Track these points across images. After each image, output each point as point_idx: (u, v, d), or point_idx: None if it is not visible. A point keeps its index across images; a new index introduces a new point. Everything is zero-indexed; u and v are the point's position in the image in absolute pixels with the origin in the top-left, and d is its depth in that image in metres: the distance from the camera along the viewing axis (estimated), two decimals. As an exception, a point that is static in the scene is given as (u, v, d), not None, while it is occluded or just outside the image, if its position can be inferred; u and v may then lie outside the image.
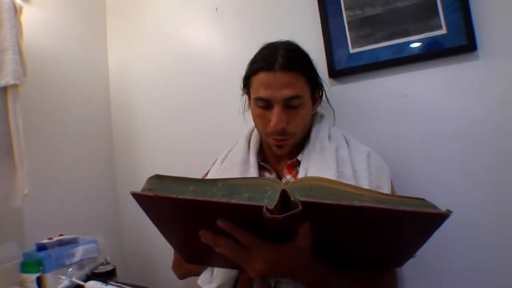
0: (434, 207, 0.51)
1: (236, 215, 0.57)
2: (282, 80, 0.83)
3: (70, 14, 1.48)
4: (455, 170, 1.00)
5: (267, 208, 0.51)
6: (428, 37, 0.99)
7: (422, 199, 0.52)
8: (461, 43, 0.97)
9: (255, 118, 0.92)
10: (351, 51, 1.10)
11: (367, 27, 1.07)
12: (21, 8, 1.18)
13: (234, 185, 0.57)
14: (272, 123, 0.85)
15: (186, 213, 0.61)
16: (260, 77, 0.86)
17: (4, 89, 1.08)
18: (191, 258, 0.78)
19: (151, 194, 0.57)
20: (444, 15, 0.97)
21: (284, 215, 0.51)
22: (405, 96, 1.05)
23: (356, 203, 0.51)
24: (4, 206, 1.06)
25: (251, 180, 0.58)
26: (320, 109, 1.03)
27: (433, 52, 0.99)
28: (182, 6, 1.47)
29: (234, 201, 0.54)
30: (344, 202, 0.51)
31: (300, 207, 0.52)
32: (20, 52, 1.12)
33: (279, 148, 0.90)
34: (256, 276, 0.63)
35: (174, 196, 0.55)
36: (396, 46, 1.03)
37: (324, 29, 1.13)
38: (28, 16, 1.29)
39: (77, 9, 1.51)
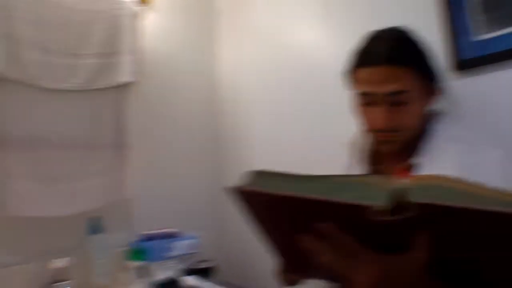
0: None
1: (336, 217, 0.49)
2: (385, 75, 0.75)
3: (185, 19, 1.60)
4: None
5: (375, 209, 0.42)
6: None
7: None
8: None
9: (359, 115, 0.84)
10: (480, 37, 0.92)
11: (503, 6, 0.88)
12: (140, 14, 1.30)
13: (335, 183, 0.49)
14: (377, 122, 0.78)
15: (285, 212, 0.56)
16: (362, 73, 0.80)
17: (121, 86, 1.18)
18: (292, 267, 0.72)
19: (247, 188, 0.54)
20: None
21: (400, 217, 0.42)
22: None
23: (499, 209, 0.38)
24: (117, 196, 1.16)
25: (356, 177, 0.50)
26: (442, 106, 0.88)
27: None
28: (289, 4, 1.45)
29: (338, 199, 0.46)
30: (481, 207, 0.39)
31: (418, 210, 0.42)
32: (137, 53, 1.23)
33: (387, 144, 0.80)
34: None
35: (271, 191, 0.51)
36: (543, 27, 0.83)
37: (446, 12, 0.97)
38: (149, 20, 1.41)
39: (191, 14, 1.64)
